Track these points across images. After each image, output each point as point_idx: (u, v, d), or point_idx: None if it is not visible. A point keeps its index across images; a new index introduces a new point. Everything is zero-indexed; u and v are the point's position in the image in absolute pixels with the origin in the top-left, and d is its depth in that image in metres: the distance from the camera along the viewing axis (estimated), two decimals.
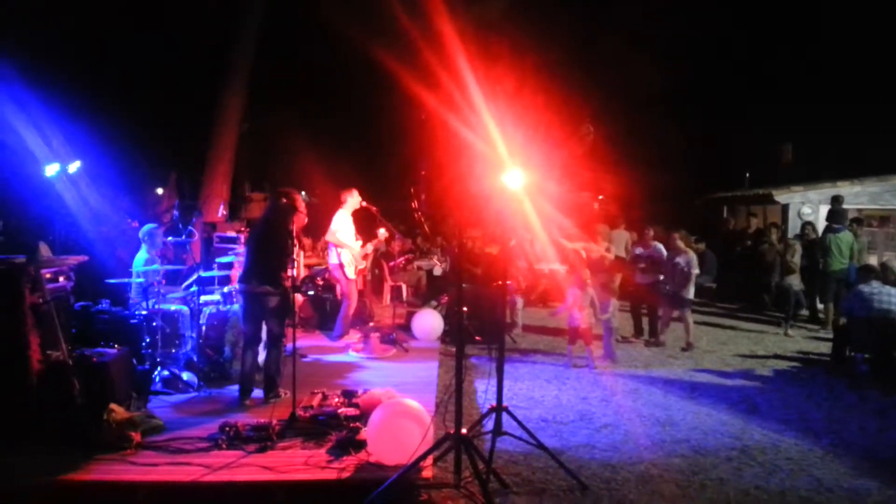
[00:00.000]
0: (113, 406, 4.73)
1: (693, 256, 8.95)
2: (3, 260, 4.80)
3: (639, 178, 16.38)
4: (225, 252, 8.16)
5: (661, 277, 9.13)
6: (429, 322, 8.73)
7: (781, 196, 13.65)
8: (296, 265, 6.23)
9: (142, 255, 6.75)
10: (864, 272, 8.17)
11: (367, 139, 19.77)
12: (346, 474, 4.26)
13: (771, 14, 19.39)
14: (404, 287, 11.69)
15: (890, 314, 7.44)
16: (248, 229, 7.95)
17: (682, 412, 6.16)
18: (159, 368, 6.17)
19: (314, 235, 10.87)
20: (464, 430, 4.35)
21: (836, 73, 19.15)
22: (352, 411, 5.13)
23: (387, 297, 11.72)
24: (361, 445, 4.58)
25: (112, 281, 6.65)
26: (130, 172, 13.02)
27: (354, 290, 8.40)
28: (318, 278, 9.62)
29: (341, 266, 8.15)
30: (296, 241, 5.88)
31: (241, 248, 7.77)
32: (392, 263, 10.97)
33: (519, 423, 4.81)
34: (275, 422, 4.90)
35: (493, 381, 4.96)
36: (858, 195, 13.00)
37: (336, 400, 5.52)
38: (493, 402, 4.94)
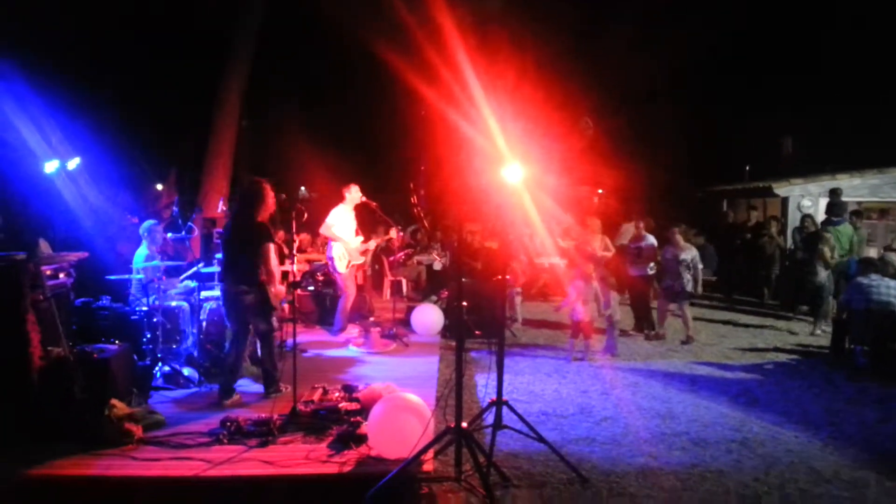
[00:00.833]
0: (114, 401, 4.75)
1: (696, 253, 9.03)
2: (4, 257, 4.80)
3: (638, 171, 16.38)
4: None
5: (652, 266, 9.28)
6: (429, 316, 8.74)
7: (781, 189, 13.63)
8: (290, 258, 5.99)
9: (142, 251, 6.75)
10: (863, 265, 8.18)
11: (366, 134, 19.78)
12: (347, 468, 4.28)
13: (771, 7, 19.34)
14: (404, 282, 11.71)
15: (889, 306, 7.44)
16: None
17: (681, 405, 6.17)
18: (160, 364, 6.19)
19: (314, 232, 10.88)
20: (464, 424, 4.37)
21: (836, 66, 19.11)
22: (352, 406, 5.16)
23: (387, 291, 11.72)
24: (362, 439, 4.60)
25: (112, 277, 6.64)
26: (130, 169, 13.04)
27: (352, 284, 8.38)
28: (319, 273, 9.64)
29: (331, 259, 8.17)
30: (273, 232, 5.58)
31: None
32: (392, 258, 10.97)
33: (519, 416, 4.82)
34: (276, 416, 4.93)
35: (494, 375, 4.97)
36: (858, 188, 12.98)
37: (337, 394, 5.54)
38: (494, 396, 4.94)
